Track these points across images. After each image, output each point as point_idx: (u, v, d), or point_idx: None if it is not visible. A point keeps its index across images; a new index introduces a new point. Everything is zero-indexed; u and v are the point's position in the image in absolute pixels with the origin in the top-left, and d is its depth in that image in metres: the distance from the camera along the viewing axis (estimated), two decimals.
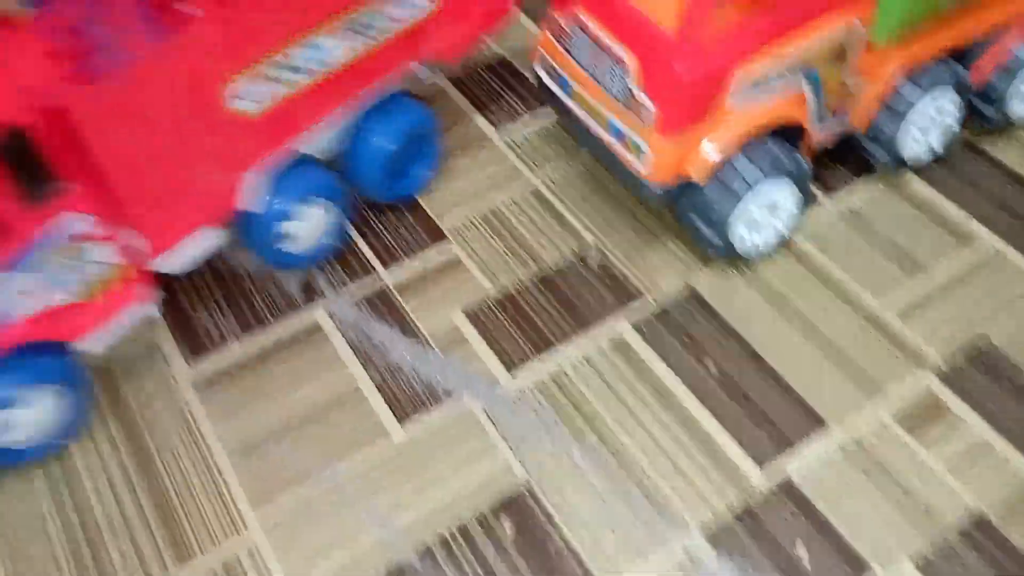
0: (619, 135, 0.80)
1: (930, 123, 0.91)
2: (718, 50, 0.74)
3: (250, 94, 0.73)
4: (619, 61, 0.77)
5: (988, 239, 0.90)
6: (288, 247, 0.84)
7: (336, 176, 0.85)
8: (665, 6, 0.73)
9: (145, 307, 0.76)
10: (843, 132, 0.90)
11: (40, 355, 0.71)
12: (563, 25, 0.83)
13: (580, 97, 0.84)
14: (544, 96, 0.91)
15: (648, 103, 0.76)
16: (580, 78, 0.83)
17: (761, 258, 0.88)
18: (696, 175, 0.79)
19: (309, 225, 0.83)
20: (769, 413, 0.78)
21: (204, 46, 0.69)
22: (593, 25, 0.79)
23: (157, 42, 0.66)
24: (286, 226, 0.82)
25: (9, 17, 0.66)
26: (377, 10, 0.78)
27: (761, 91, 0.78)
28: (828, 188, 0.94)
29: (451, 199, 0.95)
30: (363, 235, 0.92)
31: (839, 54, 0.81)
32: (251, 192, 0.78)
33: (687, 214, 0.84)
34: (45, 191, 0.66)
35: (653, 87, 0.75)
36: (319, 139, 0.82)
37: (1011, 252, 0.89)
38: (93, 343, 0.74)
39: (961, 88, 0.90)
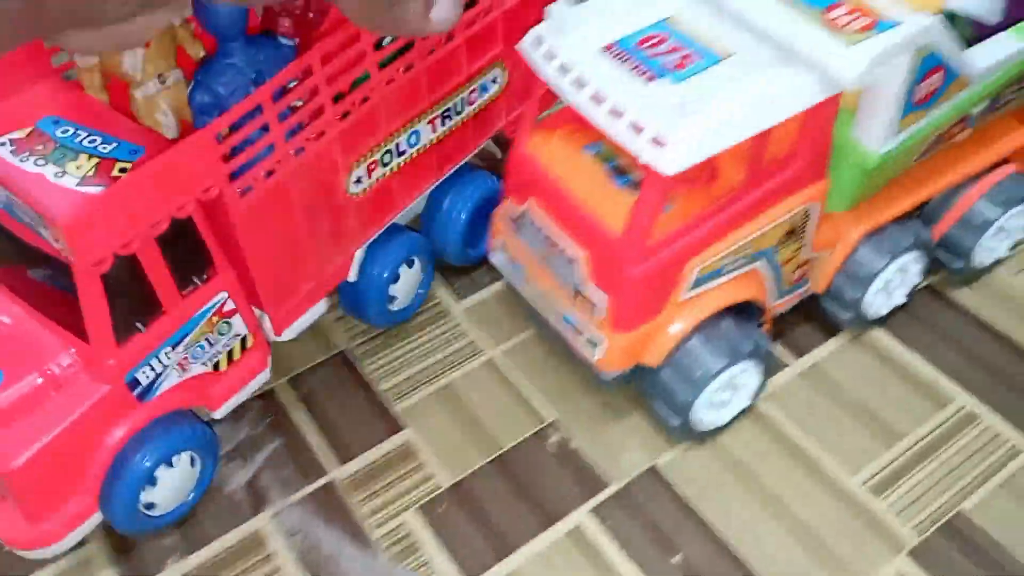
0: (571, 325, 0.78)
1: (893, 282, 0.89)
2: (669, 247, 0.72)
3: (362, 178, 0.82)
4: (572, 257, 0.75)
5: (962, 398, 0.87)
6: (394, 306, 0.92)
7: (422, 236, 0.94)
8: (614, 208, 0.72)
9: (264, 375, 0.82)
10: (804, 296, 0.88)
11: (180, 422, 0.75)
12: (515, 214, 0.81)
13: (533, 285, 0.82)
14: (499, 271, 0.88)
15: (600, 298, 0.73)
16: (533, 266, 0.81)
17: (726, 428, 0.84)
18: (653, 363, 0.77)
19: (407, 283, 0.92)
20: None
21: (337, 145, 0.77)
22: (545, 217, 0.77)
23: (297, 145, 0.74)
24: (393, 288, 0.90)
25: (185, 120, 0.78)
26: (462, 95, 0.88)
27: (716, 277, 0.76)
28: (792, 347, 0.92)
29: (404, 377, 0.91)
30: (317, 424, 0.88)
31: (796, 232, 0.79)
32: (358, 264, 0.86)
33: (647, 394, 0.81)
34: (196, 273, 0.73)
35: (605, 283, 0.73)
36: (410, 209, 0.92)
37: (986, 412, 0.86)
38: (224, 410, 0.80)
39: (922, 246, 0.88)
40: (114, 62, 0.75)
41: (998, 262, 0.96)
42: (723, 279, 0.77)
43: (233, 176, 0.70)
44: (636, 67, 0.69)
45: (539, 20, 0.75)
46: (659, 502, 0.80)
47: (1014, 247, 0.97)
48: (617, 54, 0.71)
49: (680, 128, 0.64)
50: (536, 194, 0.79)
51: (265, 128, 0.71)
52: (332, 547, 0.79)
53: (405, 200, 0.89)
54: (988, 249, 0.94)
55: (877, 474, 0.82)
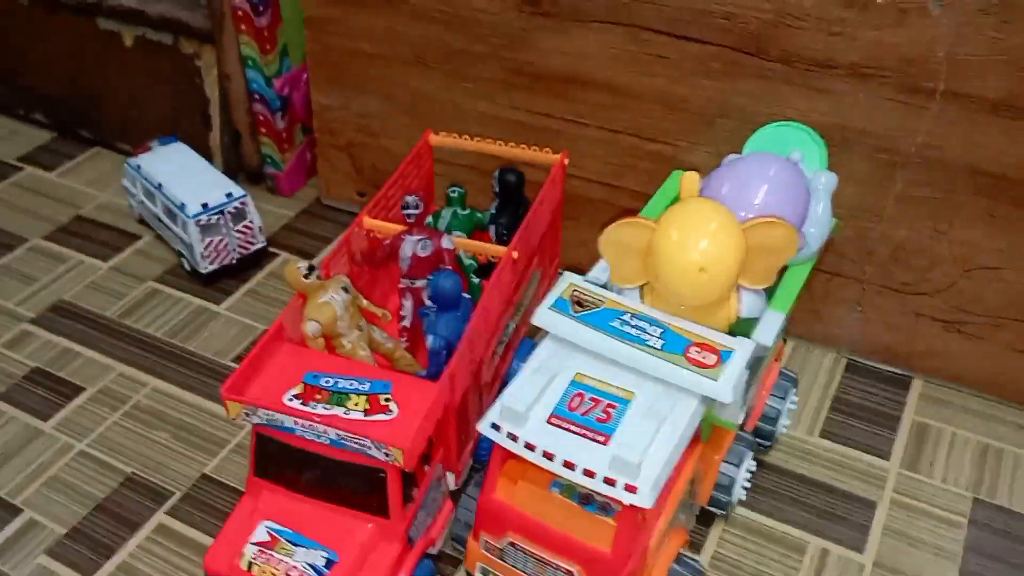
0: None
1: (744, 476, 1.23)
2: (638, 547, 0.98)
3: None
4: (567, 572, 0.99)
5: (811, 541, 1.23)
6: None
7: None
8: (595, 530, 0.97)
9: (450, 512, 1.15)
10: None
11: (422, 561, 1.07)
12: (496, 544, 1.03)
13: None
14: None
15: None
16: None
17: None
18: None
19: None
20: None
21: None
22: (530, 545, 1.00)
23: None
24: None
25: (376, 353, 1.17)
26: (524, 290, 1.27)
27: (664, 539, 1.04)
28: (694, 549, 1.22)
29: None
30: None
31: (693, 482, 1.10)
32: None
33: None
34: (431, 458, 1.08)
35: None
36: None
37: (832, 547, 1.22)
38: (440, 544, 1.13)
39: (752, 446, 1.24)
40: (332, 327, 1.11)
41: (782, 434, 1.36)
42: (666, 539, 1.05)
43: None
44: (578, 428, 0.96)
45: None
46: None
47: (788, 418, 1.36)
48: (561, 422, 0.97)
49: (641, 475, 0.91)
50: (514, 529, 1.01)
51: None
52: None
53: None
54: (782, 427, 1.32)
55: None
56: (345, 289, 1.12)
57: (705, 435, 1.15)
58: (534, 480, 1.03)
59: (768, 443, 1.31)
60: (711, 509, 1.22)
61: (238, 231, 1.62)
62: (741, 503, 1.27)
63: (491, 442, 0.99)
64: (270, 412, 0.99)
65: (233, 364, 1.48)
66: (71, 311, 1.61)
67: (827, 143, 1.22)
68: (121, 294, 1.64)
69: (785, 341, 1.52)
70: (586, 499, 1.02)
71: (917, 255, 1.38)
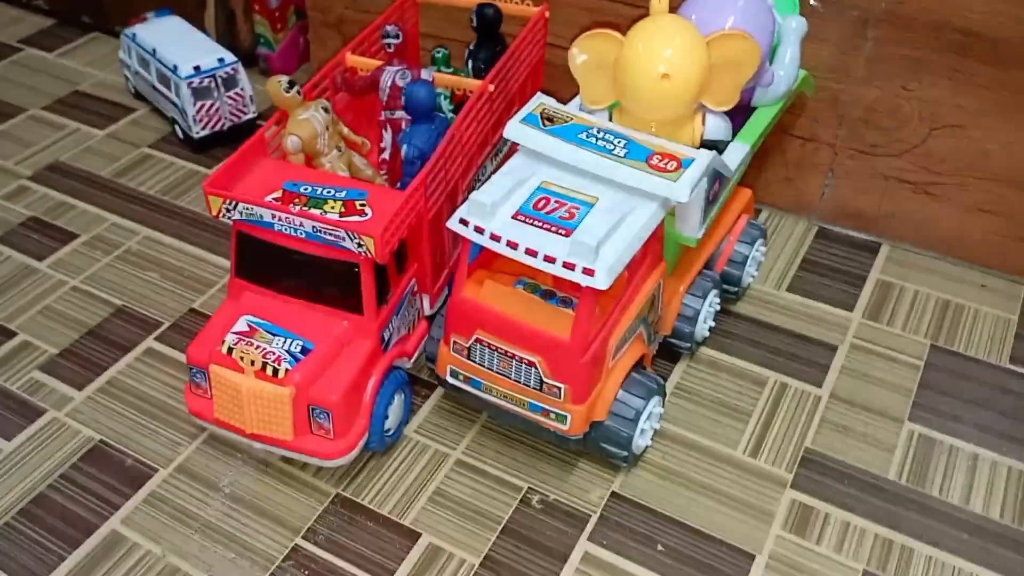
0: (540, 410, 1.06)
1: (706, 313, 1.28)
2: (598, 336, 1.03)
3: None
4: (530, 363, 1.04)
5: (771, 376, 1.28)
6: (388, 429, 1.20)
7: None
8: (556, 321, 1.02)
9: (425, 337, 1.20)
10: (659, 341, 1.24)
11: (394, 370, 1.12)
12: (464, 344, 1.08)
13: (494, 390, 1.09)
14: (453, 393, 1.14)
15: (561, 386, 1.03)
16: (492, 377, 1.08)
17: (647, 450, 1.18)
18: (602, 416, 1.08)
19: (397, 408, 1.20)
20: (716, 565, 1.06)
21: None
22: (497, 341, 1.05)
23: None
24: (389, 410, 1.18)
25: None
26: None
27: (623, 345, 1.09)
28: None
29: (399, 496, 1.14)
30: (349, 560, 1.07)
31: (654, 301, 1.15)
32: None
33: (599, 444, 1.11)
34: (403, 266, 1.13)
35: (563, 376, 1.03)
36: None
37: (792, 381, 1.27)
38: (409, 362, 1.18)
39: (718, 284, 1.29)
40: (314, 144, 1.16)
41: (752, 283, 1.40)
42: (626, 346, 1.10)
43: None
44: (543, 224, 1.01)
45: None
46: (630, 515, 1.11)
47: (757, 269, 1.41)
48: (526, 218, 1.02)
49: (598, 260, 0.96)
50: (482, 327, 1.06)
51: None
52: None
53: None
54: (749, 275, 1.37)
55: (745, 442, 1.20)
56: (325, 110, 1.17)
57: (670, 267, 1.19)
58: (500, 280, 1.08)
59: (735, 289, 1.36)
60: (674, 342, 1.27)
61: (230, 97, 1.66)
62: (706, 344, 1.32)
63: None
64: (249, 206, 1.04)
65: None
66: (67, 170, 1.66)
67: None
68: (116, 157, 1.69)
69: (759, 213, 1.56)
70: (549, 294, 1.07)
71: (886, 116, 1.42)
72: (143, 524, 1.10)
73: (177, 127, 1.70)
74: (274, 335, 1.06)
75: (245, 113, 1.70)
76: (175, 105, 1.65)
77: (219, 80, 1.63)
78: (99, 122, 1.78)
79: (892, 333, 1.36)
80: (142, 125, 1.77)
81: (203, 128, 1.65)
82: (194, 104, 1.62)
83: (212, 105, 1.64)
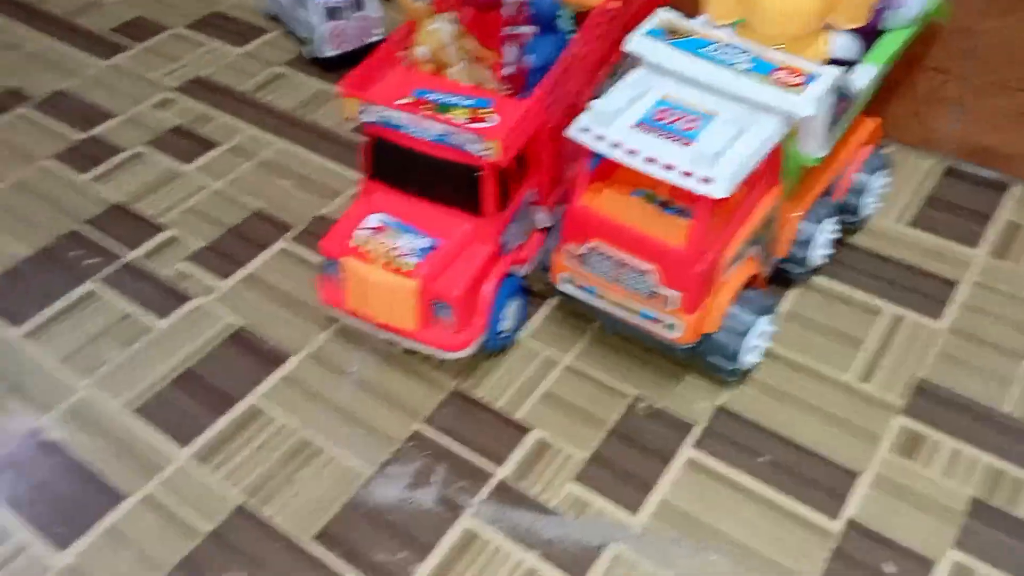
0: (651, 318, 1.10)
1: (822, 240, 1.27)
2: (712, 248, 1.05)
3: None
4: (643, 271, 1.07)
5: (887, 308, 1.27)
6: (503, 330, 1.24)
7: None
8: (672, 230, 1.05)
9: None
10: (774, 264, 1.25)
11: (510, 276, 1.17)
12: (578, 252, 1.12)
13: (607, 297, 1.12)
14: (565, 300, 1.18)
15: (674, 295, 1.06)
16: (604, 285, 1.12)
17: (755, 369, 1.19)
18: (712, 329, 1.10)
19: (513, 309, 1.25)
20: (819, 479, 1.08)
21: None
22: (611, 249, 1.09)
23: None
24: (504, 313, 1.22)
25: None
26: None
27: (737, 261, 1.11)
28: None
29: (511, 394, 1.19)
30: (466, 444, 1.14)
31: (769, 223, 1.16)
32: None
33: (707, 357, 1.14)
34: (522, 176, 1.17)
35: (676, 284, 1.05)
36: None
37: (908, 313, 1.26)
38: (529, 267, 1.21)
39: (835, 212, 1.28)
40: (442, 55, 1.18)
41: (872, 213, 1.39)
42: (740, 262, 1.12)
43: None
44: (663, 134, 1.03)
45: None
46: (734, 428, 1.14)
47: (879, 200, 1.39)
48: (646, 128, 1.04)
49: (717, 168, 0.98)
50: (598, 235, 1.10)
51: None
52: (529, 522, 1.06)
53: None
54: (867, 205, 1.35)
55: (858, 368, 1.20)
56: (453, 22, 1.21)
57: (788, 192, 1.19)
58: (617, 190, 1.11)
59: (854, 219, 1.34)
60: (788, 268, 1.27)
61: (358, 19, 1.72)
62: (822, 272, 1.32)
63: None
64: (381, 108, 1.10)
65: (353, 135, 1.60)
66: (208, 84, 1.76)
67: None
68: (252, 74, 1.79)
69: (884, 147, 1.53)
70: (666, 204, 1.09)
71: (1021, 49, 1.36)
72: (280, 400, 1.20)
73: (304, 48, 1.77)
74: (402, 232, 1.12)
75: (373, 35, 1.76)
76: (308, 24, 1.73)
77: (351, 2, 1.69)
78: (236, 40, 1.88)
79: (1016, 272, 1.32)
80: (275, 45, 1.86)
81: (333, 48, 1.72)
82: (326, 23, 1.68)
83: (343, 26, 1.70)
